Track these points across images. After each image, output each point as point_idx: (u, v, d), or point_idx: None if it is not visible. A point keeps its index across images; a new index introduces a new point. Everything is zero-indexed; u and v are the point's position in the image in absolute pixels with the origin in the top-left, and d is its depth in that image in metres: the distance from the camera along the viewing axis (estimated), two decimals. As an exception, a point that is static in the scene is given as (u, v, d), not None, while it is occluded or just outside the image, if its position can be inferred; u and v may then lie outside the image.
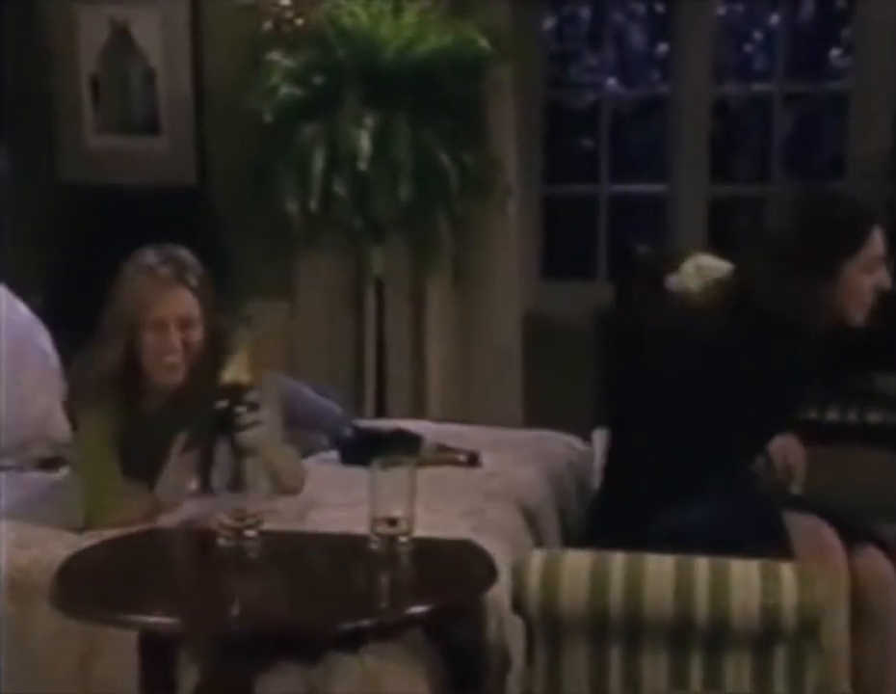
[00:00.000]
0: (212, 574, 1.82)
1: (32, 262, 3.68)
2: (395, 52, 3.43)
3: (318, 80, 3.47)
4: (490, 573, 1.77)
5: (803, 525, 2.08)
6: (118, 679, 1.85)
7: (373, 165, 3.37)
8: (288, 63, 3.49)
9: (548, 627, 1.79)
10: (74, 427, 2.23)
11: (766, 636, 1.72)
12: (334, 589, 1.77)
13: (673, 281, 3.24)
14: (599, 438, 2.62)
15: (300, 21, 3.69)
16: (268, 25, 3.69)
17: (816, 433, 2.58)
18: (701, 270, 3.18)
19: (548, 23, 4.37)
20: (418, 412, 3.77)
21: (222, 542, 1.81)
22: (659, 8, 4.43)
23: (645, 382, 2.37)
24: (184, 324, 2.10)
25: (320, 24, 3.50)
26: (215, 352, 2.11)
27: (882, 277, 2.15)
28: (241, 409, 1.95)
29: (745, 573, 1.74)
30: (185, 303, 2.11)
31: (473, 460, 2.49)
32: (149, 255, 2.13)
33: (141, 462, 2.13)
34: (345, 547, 1.89)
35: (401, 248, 3.67)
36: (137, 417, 2.15)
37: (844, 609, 2.04)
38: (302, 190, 3.40)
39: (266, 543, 1.83)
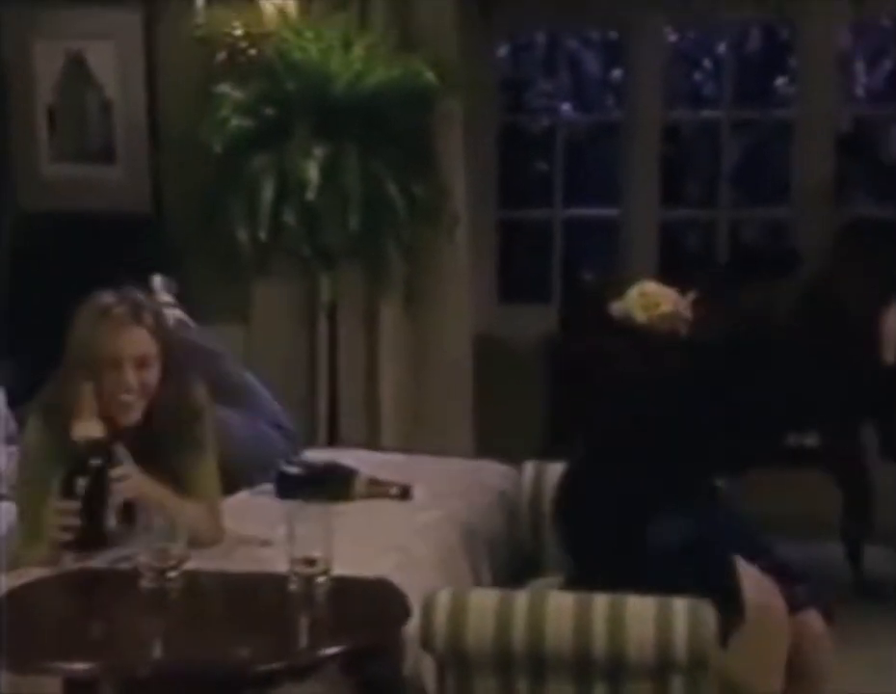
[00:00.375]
0: (131, 617, 1.87)
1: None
2: (344, 85, 3.49)
3: (268, 112, 3.53)
4: (404, 612, 1.83)
5: (748, 572, 2.16)
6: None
7: (322, 195, 3.43)
8: (238, 95, 3.54)
9: (456, 662, 1.85)
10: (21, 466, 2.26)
11: (661, 668, 1.80)
12: (251, 630, 1.81)
13: (617, 308, 3.31)
14: (530, 469, 2.68)
15: (253, 52, 3.75)
16: (222, 56, 3.75)
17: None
18: (646, 296, 3.25)
19: (503, 50, 4.45)
20: (371, 434, 3.82)
21: (144, 583, 1.87)
22: (613, 35, 4.51)
23: (616, 403, 2.44)
24: (140, 363, 2.12)
25: (270, 57, 3.56)
26: (173, 390, 2.16)
27: None
28: (97, 463, 2.01)
29: (640, 609, 1.81)
30: (141, 342, 2.13)
31: (405, 493, 2.54)
32: (105, 296, 2.16)
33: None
34: (265, 587, 1.94)
35: (352, 273, 3.73)
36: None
37: (780, 659, 2.14)
38: (252, 219, 3.46)
39: (187, 583, 1.87)
